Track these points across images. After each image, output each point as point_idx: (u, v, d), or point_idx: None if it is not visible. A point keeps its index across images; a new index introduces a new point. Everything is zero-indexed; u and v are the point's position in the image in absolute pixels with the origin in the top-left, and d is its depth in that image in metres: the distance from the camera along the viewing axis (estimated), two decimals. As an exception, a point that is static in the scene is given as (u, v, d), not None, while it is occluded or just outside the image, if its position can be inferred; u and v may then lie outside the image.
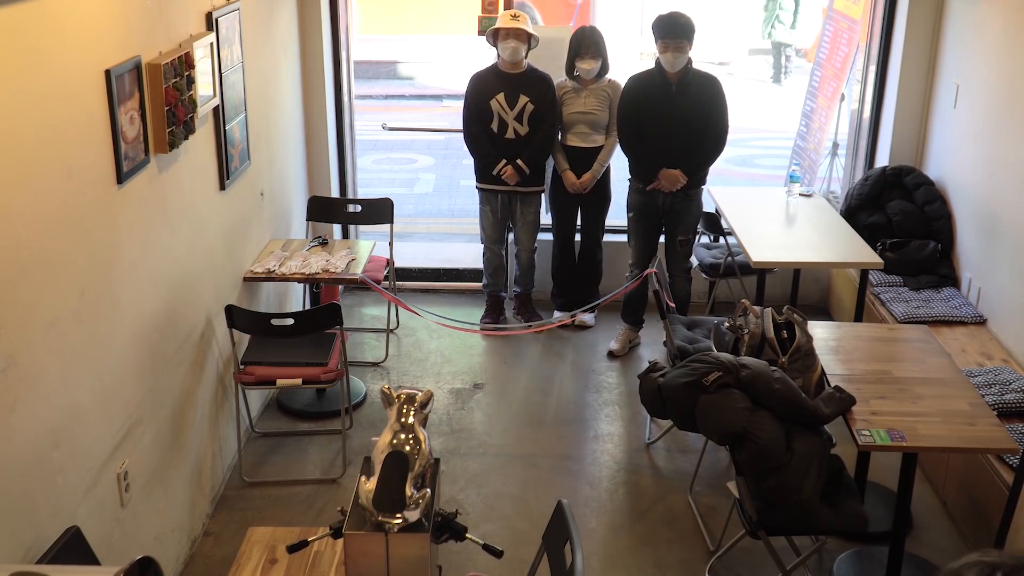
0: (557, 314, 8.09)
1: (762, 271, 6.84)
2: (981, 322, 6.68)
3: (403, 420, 3.48)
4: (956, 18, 7.41)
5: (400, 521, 3.35)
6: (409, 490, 3.37)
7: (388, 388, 3.56)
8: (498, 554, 3.58)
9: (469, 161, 7.92)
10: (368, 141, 12.87)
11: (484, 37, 7.57)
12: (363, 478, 3.48)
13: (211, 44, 5.48)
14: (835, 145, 8.88)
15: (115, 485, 4.44)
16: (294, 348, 6.07)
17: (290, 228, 7.45)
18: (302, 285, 7.43)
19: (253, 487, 5.98)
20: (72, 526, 3.68)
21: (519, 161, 7.51)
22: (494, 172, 7.59)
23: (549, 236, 8.09)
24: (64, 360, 3.98)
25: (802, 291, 8.02)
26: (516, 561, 5.18)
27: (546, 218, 8.04)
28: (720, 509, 5.77)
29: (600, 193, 7.77)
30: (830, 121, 8.62)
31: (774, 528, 4.71)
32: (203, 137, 5.50)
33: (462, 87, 7.84)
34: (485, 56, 7.92)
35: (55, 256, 3.89)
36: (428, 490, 3.43)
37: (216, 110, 5.67)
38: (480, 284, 8.32)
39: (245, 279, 6.32)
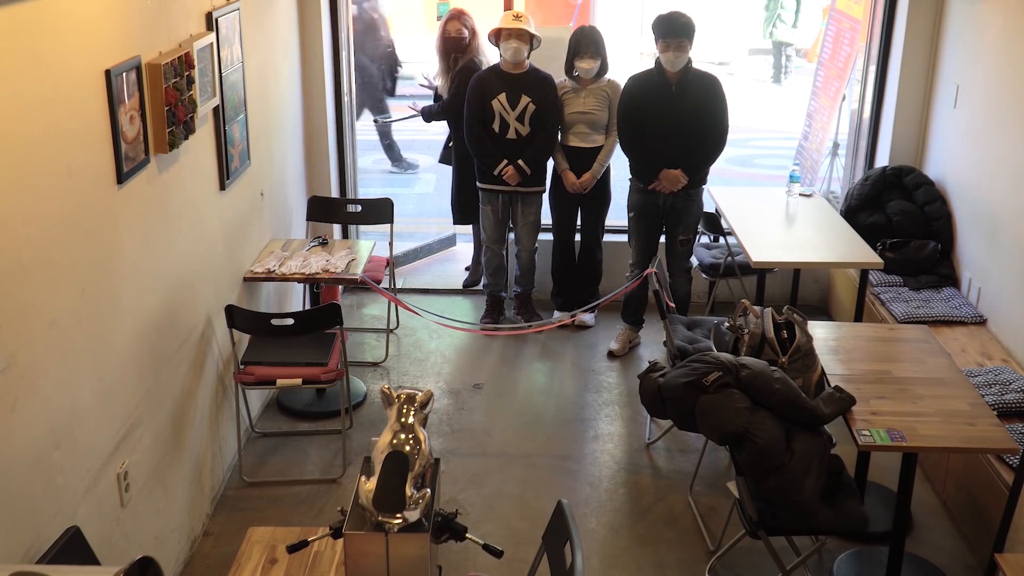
0: (557, 314, 8.09)
1: (762, 271, 6.83)
2: (981, 322, 6.68)
3: (403, 420, 3.48)
4: (956, 18, 7.41)
5: (400, 521, 3.35)
6: (409, 490, 3.36)
7: (388, 388, 3.56)
8: (498, 554, 3.58)
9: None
10: (368, 141, 12.83)
11: (488, 37, 7.60)
12: (363, 478, 3.48)
13: (211, 44, 5.48)
14: (835, 145, 8.89)
15: (115, 485, 4.44)
16: (294, 348, 6.07)
17: (290, 228, 7.45)
18: (302, 285, 7.43)
19: (253, 487, 5.98)
20: (72, 526, 3.67)
21: (520, 162, 7.53)
22: (495, 172, 7.60)
23: (549, 236, 8.09)
24: (64, 360, 3.98)
25: (802, 291, 8.02)
26: (516, 561, 5.18)
27: (546, 218, 8.04)
28: (720, 509, 5.77)
29: (600, 193, 7.77)
30: (831, 121, 8.63)
31: (774, 528, 4.71)
32: (203, 137, 5.50)
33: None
34: (492, 55, 7.94)
35: (55, 256, 3.89)
36: (428, 490, 3.43)
37: (216, 110, 5.66)
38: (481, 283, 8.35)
39: (245, 279, 6.32)
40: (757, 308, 5.54)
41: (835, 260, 6.66)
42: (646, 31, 7.29)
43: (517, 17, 7.45)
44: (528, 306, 8.12)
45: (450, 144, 8.45)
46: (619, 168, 7.70)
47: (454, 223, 8.65)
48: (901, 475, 4.80)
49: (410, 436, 3.45)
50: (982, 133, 6.88)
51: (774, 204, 7.50)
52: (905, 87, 7.87)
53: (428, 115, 8.21)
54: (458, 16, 7.99)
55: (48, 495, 3.87)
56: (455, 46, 7.96)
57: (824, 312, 8.34)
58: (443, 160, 8.69)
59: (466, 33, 7.93)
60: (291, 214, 7.49)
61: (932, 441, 4.58)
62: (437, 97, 8.32)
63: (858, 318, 6.82)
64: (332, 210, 7.73)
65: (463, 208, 8.33)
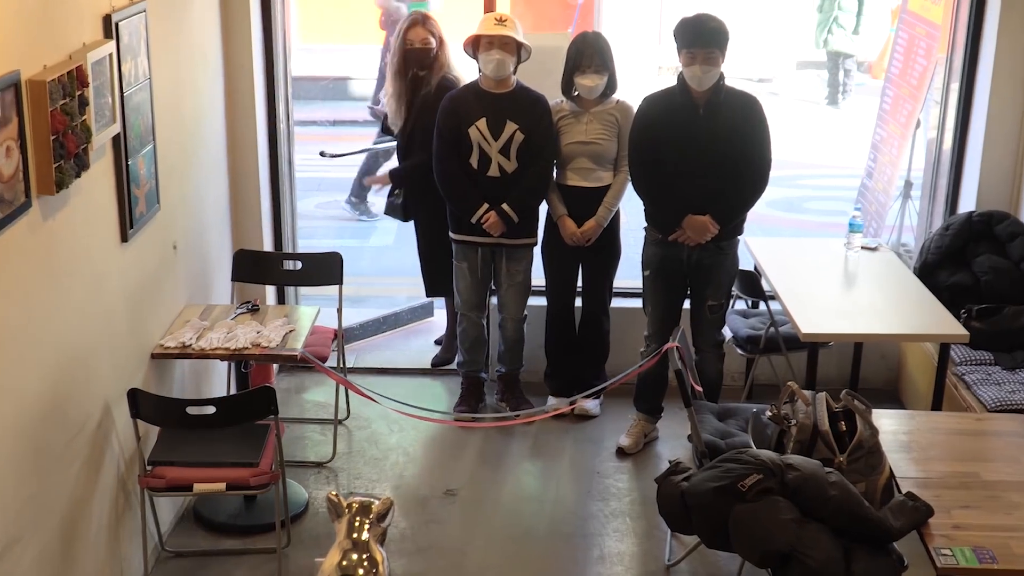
0: (552, 400, 8.07)
1: (814, 346, 6.88)
2: (1094, 411, 6.71)
3: (355, 536, 3.51)
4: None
5: (351, 665, 3.37)
6: (363, 625, 3.39)
7: (336, 495, 3.60)
8: None
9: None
10: (311, 180, 12.90)
11: (462, 47, 7.62)
12: (304, 610, 3.51)
13: (110, 56, 5.51)
14: (908, 184, 8.89)
15: (-15, 620, 4.45)
16: (216, 444, 6.07)
17: (211, 290, 7.47)
18: (226, 364, 7.44)
19: (162, 623, 5.98)
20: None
21: (505, 206, 7.51)
22: (473, 220, 7.58)
23: (542, 301, 8.09)
24: (-78, 459, 4.00)
25: (865, 371, 8.06)
26: None
27: (538, 277, 8.06)
28: (762, 651, 5.78)
29: (607, 246, 7.78)
30: (903, 154, 8.62)
31: (830, 674, 4.72)
32: (100, 174, 5.53)
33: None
34: (466, 71, 7.96)
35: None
36: (387, 625, 3.46)
37: (116, 140, 5.70)
38: (455, 361, 8.36)
39: (154, 355, 6.33)
40: (808, 393, 5.56)
41: (907, 332, 6.71)
42: (666, 39, 7.34)
43: (500, 21, 7.44)
44: (515, 390, 8.13)
45: (396, 192, 8.42)
46: (631, 213, 7.75)
47: (427, 295, 8.67)
48: (992, 606, 4.82)
49: (364, 556, 3.48)
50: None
51: (829, 260, 7.54)
52: (996, 110, 7.89)
53: (401, 177, 8.12)
54: (422, 21, 7.95)
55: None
56: (420, 60, 7.90)
57: (893, 398, 8.35)
58: (389, 212, 8.66)
59: (433, 43, 7.91)
60: (212, 272, 7.52)
61: (1031, 563, 4.61)
62: (386, 128, 8.31)
63: (936, 406, 6.84)
64: (265, 267, 7.76)
65: (437, 276, 8.34)
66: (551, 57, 7.72)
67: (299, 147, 8.83)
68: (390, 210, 8.60)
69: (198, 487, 5.89)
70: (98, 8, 5.48)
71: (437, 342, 8.92)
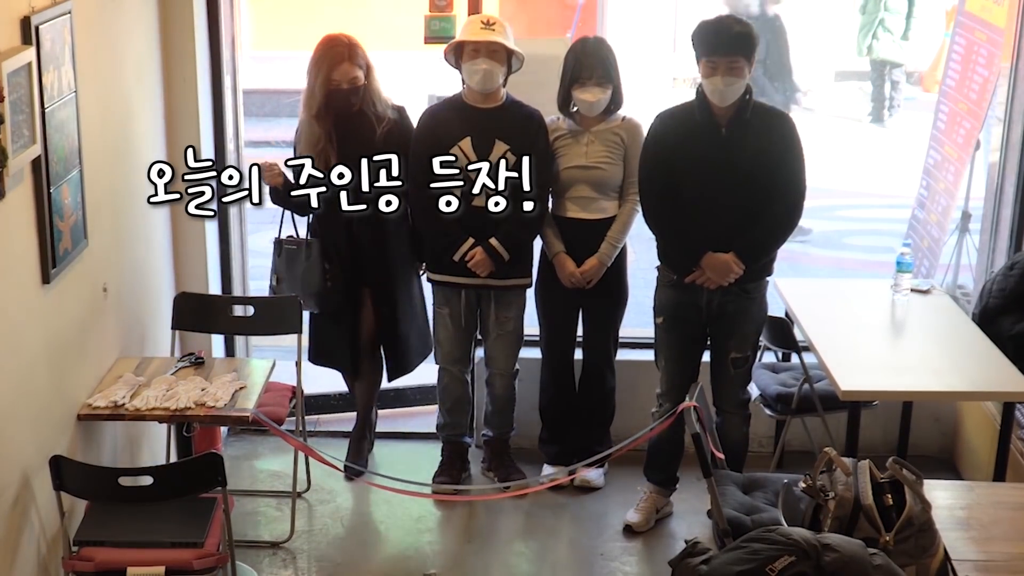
0: (548, 469, 8.09)
1: (855, 405, 6.89)
2: None
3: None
4: None
5: None
6: None
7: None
8: None
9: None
10: (265, 211, 12.87)
11: (443, 55, 7.62)
12: None
13: (29, 65, 5.52)
14: (966, 216, 8.88)
15: None
16: (154, 521, 6.06)
17: (147, 340, 7.48)
18: (165, 426, 7.44)
19: None
20: None
21: (493, 241, 7.52)
22: (456, 257, 7.58)
23: (536, 353, 8.12)
24: None
25: (915, 436, 8.08)
26: None
27: (532, 326, 8.09)
28: None
29: (611, 288, 7.80)
30: (960, 180, 8.59)
31: None
32: (17, 204, 5.54)
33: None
34: (445, 82, 7.95)
35: None
36: None
37: (36, 164, 5.71)
38: (435, 424, 8.36)
39: (80, 417, 6.33)
40: (848, 461, 5.57)
41: (964, 389, 6.71)
42: (683, 46, 7.33)
43: (488, 24, 7.42)
44: (504, 458, 8.14)
45: (329, 283, 7.79)
46: (640, 250, 7.76)
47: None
48: None
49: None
50: None
51: (873, 304, 7.56)
52: (1067, 130, 7.93)
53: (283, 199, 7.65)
54: (348, 56, 7.60)
55: None
56: (345, 100, 7.64)
57: (949, 466, 8.36)
58: (318, 303, 7.90)
59: (362, 77, 7.60)
60: (149, 320, 7.53)
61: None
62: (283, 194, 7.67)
63: (999, 476, 6.85)
64: (210, 313, 7.76)
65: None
66: (546, 67, 7.72)
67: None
68: (322, 302, 7.87)
69: (132, 571, 5.86)
70: (15, 9, 5.48)
71: None
